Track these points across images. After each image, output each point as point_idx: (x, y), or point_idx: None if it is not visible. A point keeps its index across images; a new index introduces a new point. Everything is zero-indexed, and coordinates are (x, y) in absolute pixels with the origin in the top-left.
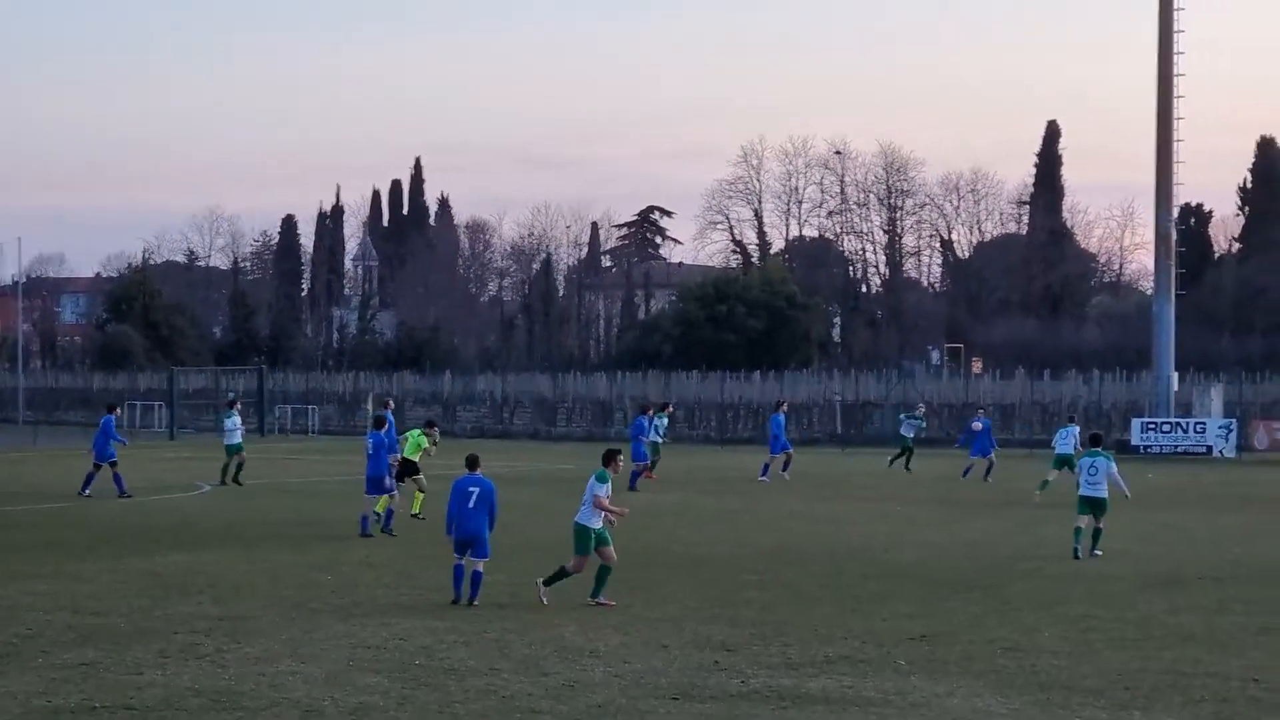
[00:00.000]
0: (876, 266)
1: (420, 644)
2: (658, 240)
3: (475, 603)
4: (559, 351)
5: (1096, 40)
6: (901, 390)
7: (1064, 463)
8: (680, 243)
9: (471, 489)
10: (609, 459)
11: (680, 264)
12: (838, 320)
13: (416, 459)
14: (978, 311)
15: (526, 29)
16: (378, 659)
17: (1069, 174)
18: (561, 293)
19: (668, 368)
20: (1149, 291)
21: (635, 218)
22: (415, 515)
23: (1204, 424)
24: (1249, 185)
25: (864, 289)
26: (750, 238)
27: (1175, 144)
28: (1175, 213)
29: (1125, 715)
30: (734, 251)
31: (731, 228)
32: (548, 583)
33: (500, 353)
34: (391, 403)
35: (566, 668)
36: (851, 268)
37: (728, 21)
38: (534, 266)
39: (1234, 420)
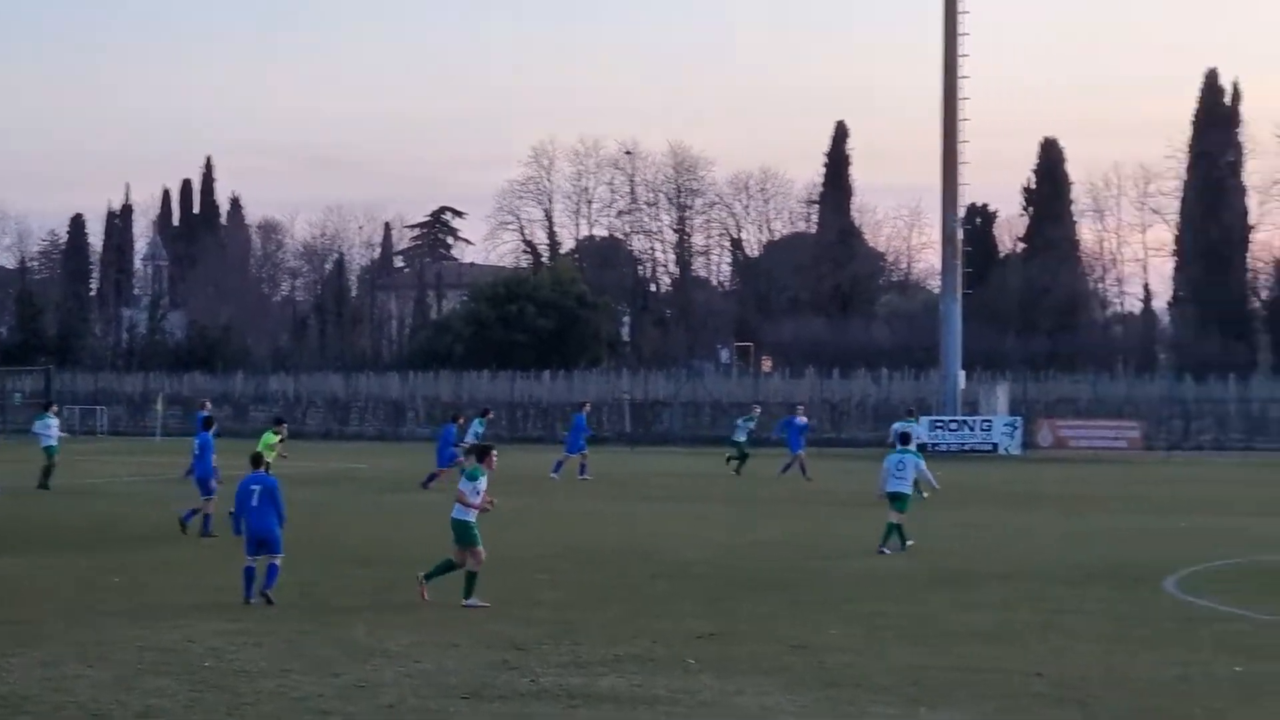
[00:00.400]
0: (666, 266)
1: (210, 645)
2: (449, 241)
3: (268, 592)
4: (351, 351)
5: (884, 42)
6: (691, 389)
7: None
8: (472, 243)
9: (254, 487)
10: (483, 455)
11: (472, 264)
12: (627, 319)
13: (271, 458)
14: (767, 310)
15: (319, 30)
16: (167, 661)
17: (857, 174)
18: (354, 293)
19: (459, 367)
20: (936, 290)
21: (427, 218)
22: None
23: (990, 422)
24: (1033, 186)
25: (653, 288)
26: (541, 238)
27: (960, 145)
28: (961, 213)
29: (913, 711)
30: (525, 251)
31: (522, 228)
32: (429, 576)
33: (293, 352)
34: (209, 403)
35: (357, 668)
36: (641, 267)
37: (518, 22)
38: (326, 267)
39: (1019, 418)
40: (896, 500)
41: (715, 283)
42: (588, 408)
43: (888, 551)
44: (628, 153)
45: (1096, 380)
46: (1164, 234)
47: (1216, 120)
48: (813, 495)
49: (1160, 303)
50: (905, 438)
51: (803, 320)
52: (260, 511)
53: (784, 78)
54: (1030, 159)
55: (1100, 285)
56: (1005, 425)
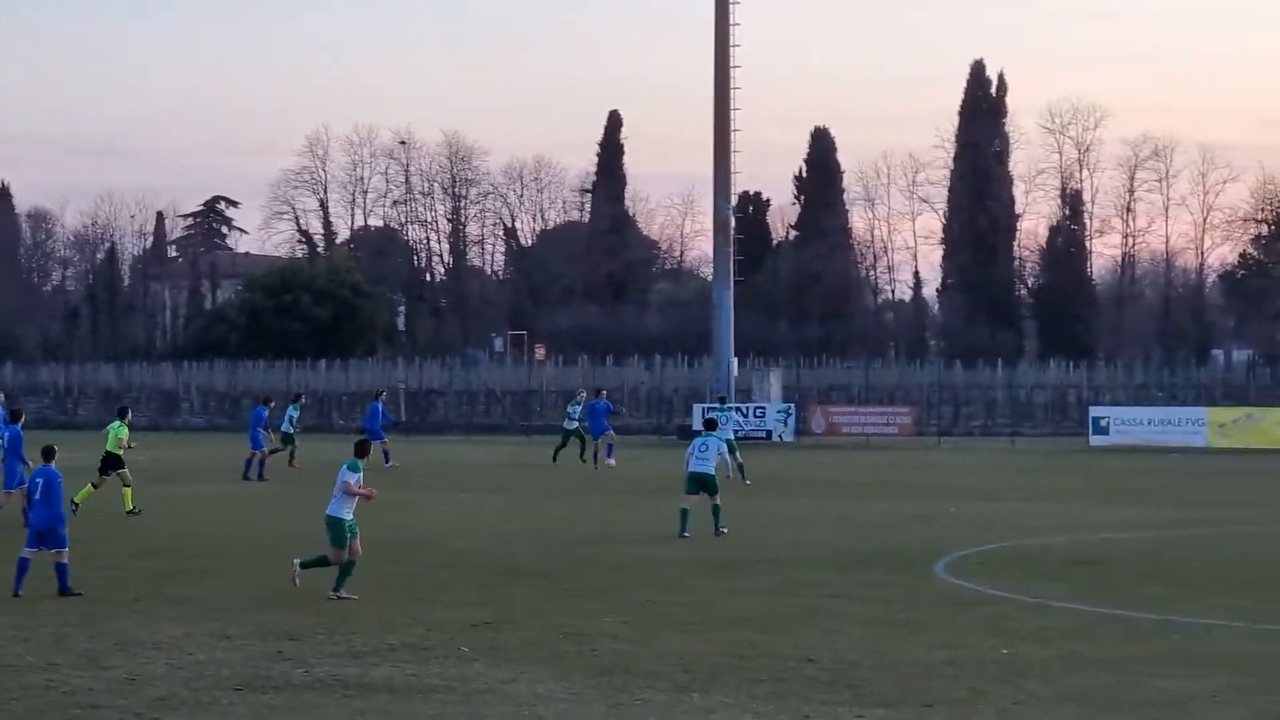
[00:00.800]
0: (441, 255)
1: None
2: (224, 230)
3: (68, 592)
4: (124, 342)
5: (657, 31)
6: (465, 378)
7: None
8: (247, 232)
9: (39, 480)
10: (362, 449)
11: (247, 254)
12: (402, 309)
13: (120, 452)
14: (541, 299)
15: (83, 21)
16: None
17: (631, 163)
18: (127, 282)
19: (234, 357)
20: (709, 278)
21: (201, 208)
22: (130, 511)
23: (764, 408)
24: (804, 175)
25: (429, 278)
26: (316, 227)
27: (733, 134)
28: (734, 201)
29: (684, 697)
30: (300, 241)
31: (297, 218)
32: (305, 565)
33: (64, 343)
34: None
35: (128, 661)
36: (416, 257)
37: (291, 10)
38: (98, 256)
39: (792, 405)
40: (704, 482)
41: (490, 272)
42: (383, 396)
43: (725, 531)
44: (402, 142)
45: (868, 367)
46: (933, 222)
47: (983, 111)
48: (587, 483)
49: (930, 290)
50: (710, 423)
51: (576, 308)
52: (41, 504)
53: (558, 67)
54: (802, 148)
55: (871, 273)
56: (778, 412)
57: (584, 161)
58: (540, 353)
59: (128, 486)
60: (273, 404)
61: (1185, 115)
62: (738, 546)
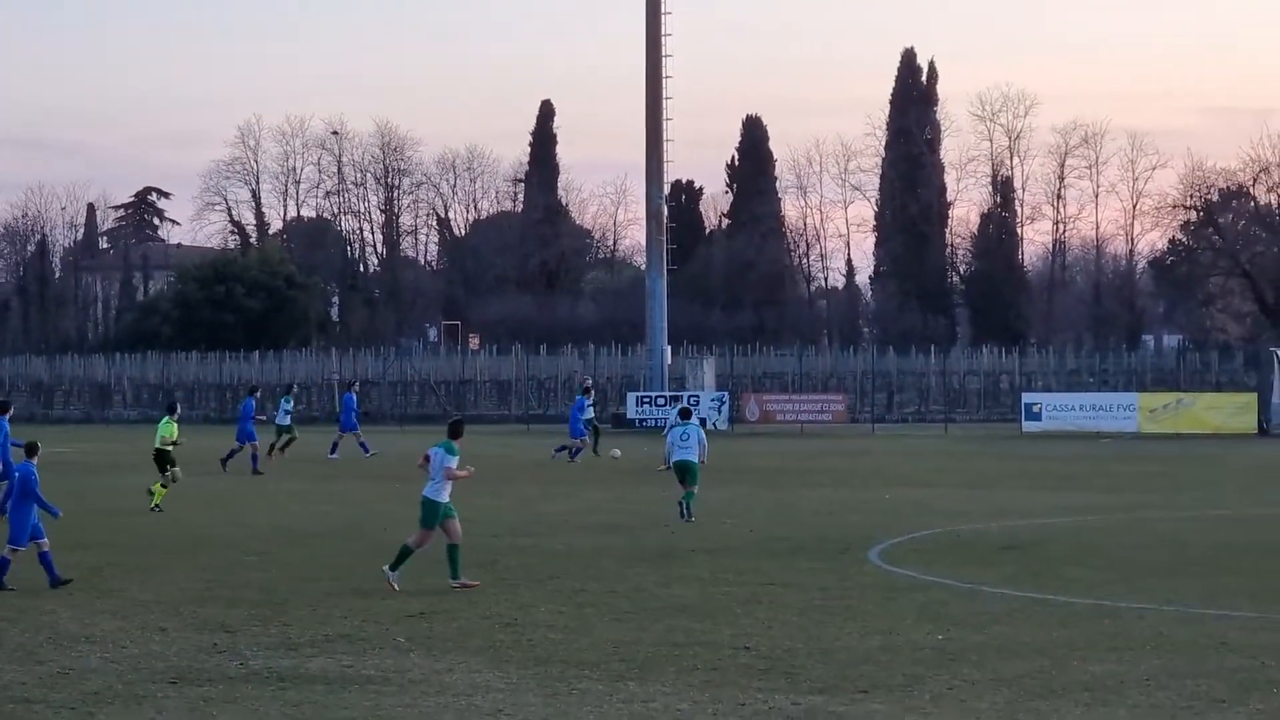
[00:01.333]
0: (374, 246)
1: None
2: (156, 222)
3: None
4: (55, 334)
5: (589, 20)
6: (399, 368)
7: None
8: (179, 224)
9: (16, 474)
10: (456, 430)
11: (179, 245)
12: (336, 299)
13: (169, 449)
14: (474, 289)
15: (9, 10)
16: None
17: (563, 152)
18: (58, 274)
19: (167, 349)
20: (642, 267)
21: (133, 199)
22: (154, 508)
23: (698, 396)
24: (737, 163)
25: (362, 268)
26: (249, 218)
27: (665, 123)
28: (666, 190)
29: (621, 686)
30: (232, 232)
31: (230, 209)
32: (393, 567)
33: None
34: None
35: (61, 655)
36: (349, 247)
37: (222, 2)
38: (28, 248)
39: (726, 393)
40: (688, 471)
41: (423, 262)
42: (355, 386)
43: (692, 520)
44: (334, 133)
45: (802, 354)
46: (865, 210)
47: (914, 99)
48: (520, 473)
49: (863, 277)
50: (685, 413)
51: (510, 298)
52: (12, 501)
53: (490, 56)
54: (734, 136)
55: (804, 260)
56: (712, 400)
57: (517, 151)
58: (474, 342)
59: (164, 487)
60: (258, 394)
61: (1114, 102)
62: (672, 535)
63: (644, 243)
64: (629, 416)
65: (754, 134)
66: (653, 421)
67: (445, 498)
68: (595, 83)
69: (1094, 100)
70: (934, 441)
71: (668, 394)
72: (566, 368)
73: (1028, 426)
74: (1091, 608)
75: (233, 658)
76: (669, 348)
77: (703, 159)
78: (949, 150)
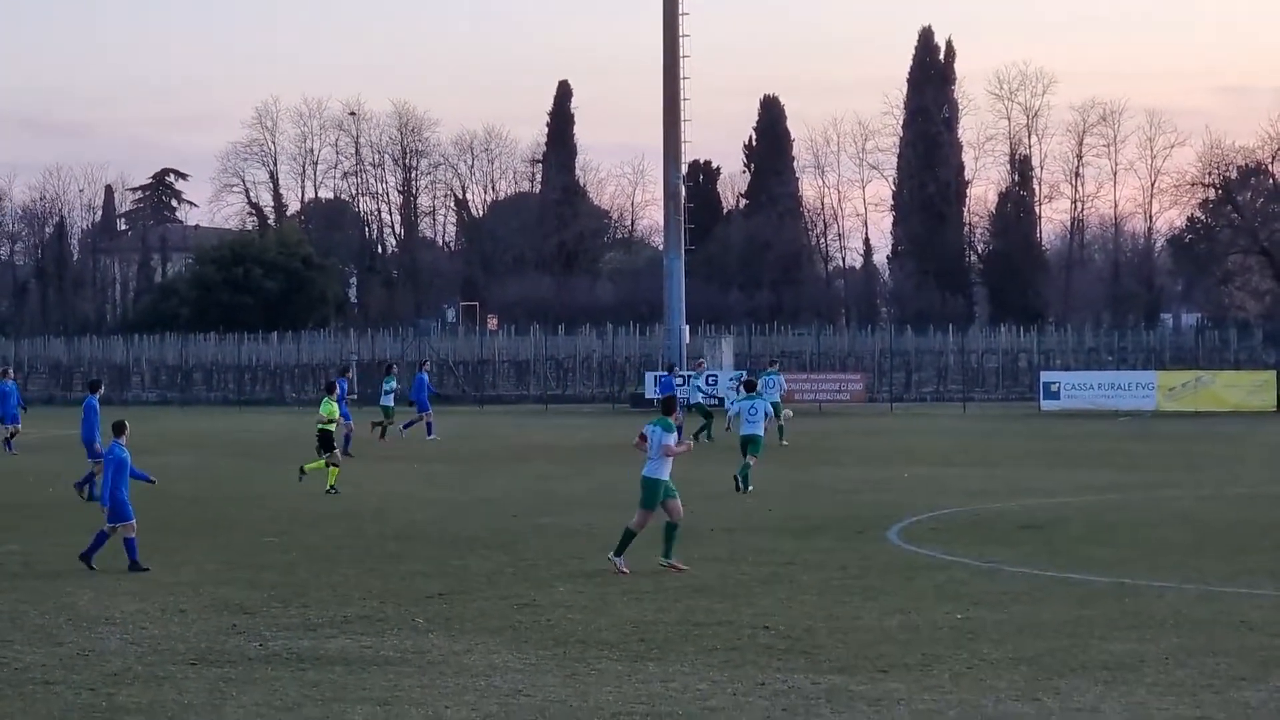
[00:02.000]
0: (392, 227)
1: None
2: (174, 203)
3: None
4: (74, 316)
5: (606, 1)
6: (418, 349)
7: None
8: (196, 205)
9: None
10: (669, 407)
11: (197, 227)
12: (354, 280)
13: (331, 429)
14: (492, 270)
15: None
16: None
17: (581, 133)
18: (76, 256)
19: (185, 331)
20: (660, 247)
21: (150, 180)
22: (331, 489)
23: (716, 376)
24: (754, 143)
25: (380, 249)
26: (266, 200)
27: (682, 103)
28: (684, 170)
29: (640, 666)
30: (250, 214)
31: (247, 190)
32: (618, 552)
33: (13, 318)
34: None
35: (81, 636)
36: (367, 228)
37: None
38: (47, 230)
39: (744, 372)
40: (752, 443)
41: (441, 243)
42: (428, 366)
43: (751, 488)
44: (352, 114)
45: (819, 334)
46: (883, 189)
47: (931, 78)
48: (539, 453)
49: (880, 257)
50: (749, 385)
51: (528, 279)
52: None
53: (507, 37)
54: (751, 116)
55: (821, 240)
56: (730, 379)
57: (534, 132)
58: (492, 323)
59: (334, 466)
60: (350, 375)
61: (1132, 80)
62: (691, 514)
63: (662, 223)
64: (647, 396)
65: (771, 114)
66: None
67: (665, 475)
68: (613, 63)
69: (1112, 79)
70: (952, 420)
71: (685, 373)
72: (585, 348)
73: (1046, 405)
74: (1111, 586)
75: (252, 639)
76: (687, 327)
77: (720, 139)
78: (967, 129)
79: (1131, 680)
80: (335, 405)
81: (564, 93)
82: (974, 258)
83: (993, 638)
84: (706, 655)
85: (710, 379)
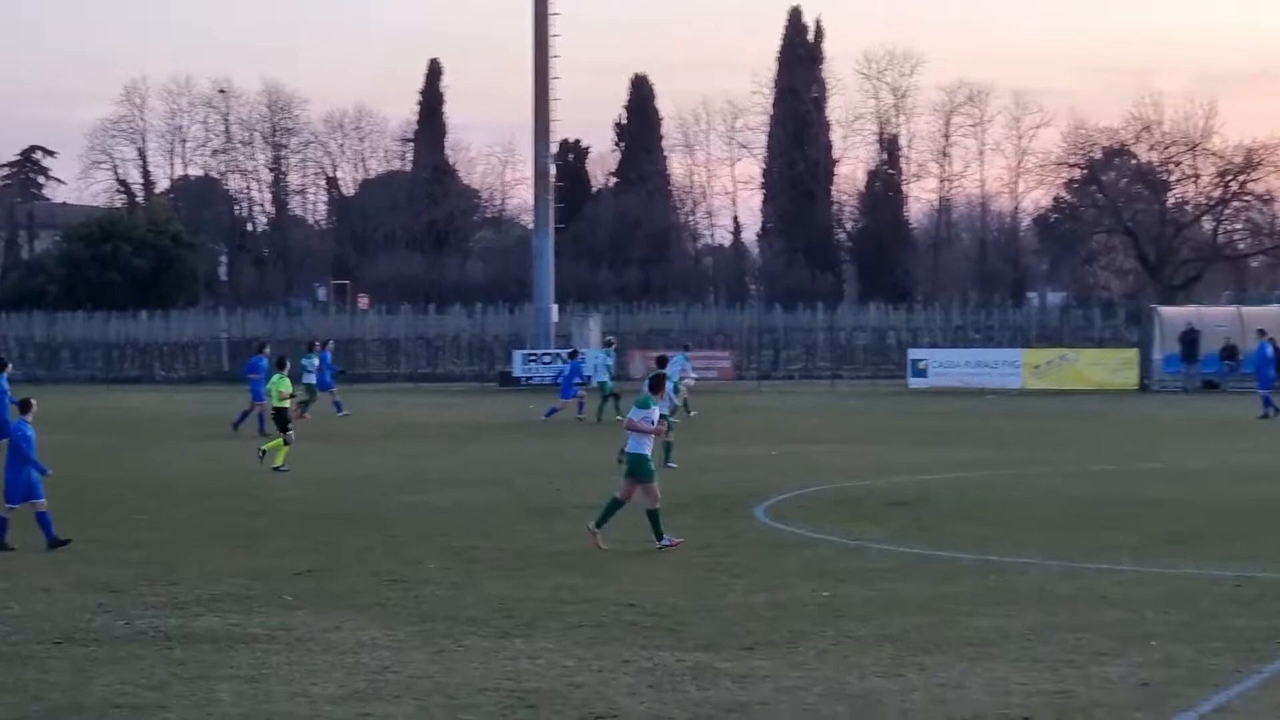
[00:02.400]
0: (262, 205)
1: None
2: (41, 180)
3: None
4: None
5: None
6: (288, 327)
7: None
8: (64, 183)
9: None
10: (654, 384)
11: (65, 204)
12: (224, 258)
13: (285, 405)
14: (363, 248)
15: None
16: None
17: (451, 111)
18: None
19: (53, 308)
20: (530, 226)
21: (17, 157)
22: (278, 468)
23: (583, 353)
24: (624, 121)
25: (250, 227)
26: (135, 177)
27: (552, 81)
28: (554, 149)
29: (507, 643)
30: (119, 191)
31: (116, 167)
32: (599, 523)
33: None
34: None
35: None
36: (237, 206)
37: None
38: None
39: (612, 350)
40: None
41: (312, 221)
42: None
43: (674, 466)
44: (221, 91)
45: (688, 311)
46: (752, 168)
47: (800, 57)
48: (408, 431)
49: (749, 235)
50: (662, 361)
51: (399, 257)
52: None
53: (377, 15)
54: (621, 95)
55: (691, 218)
56: (597, 357)
57: (405, 110)
58: (363, 301)
59: (286, 445)
60: (268, 350)
61: (999, 61)
62: (557, 493)
63: (532, 202)
64: (515, 374)
65: (641, 92)
66: (539, 379)
67: (647, 451)
68: (483, 42)
69: (979, 59)
70: (821, 398)
71: (553, 351)
72: (455, 326)
73: (914, 382)
74: (976, 563)
75: (118, 617)
76: (555, 306)
77: (590, 118)
78: (836, 108)
79: (995, 655)
80: (287, 381)
81: (434, 71)
82: (843, 236)
83: (858, 614)
84: (573, 632)
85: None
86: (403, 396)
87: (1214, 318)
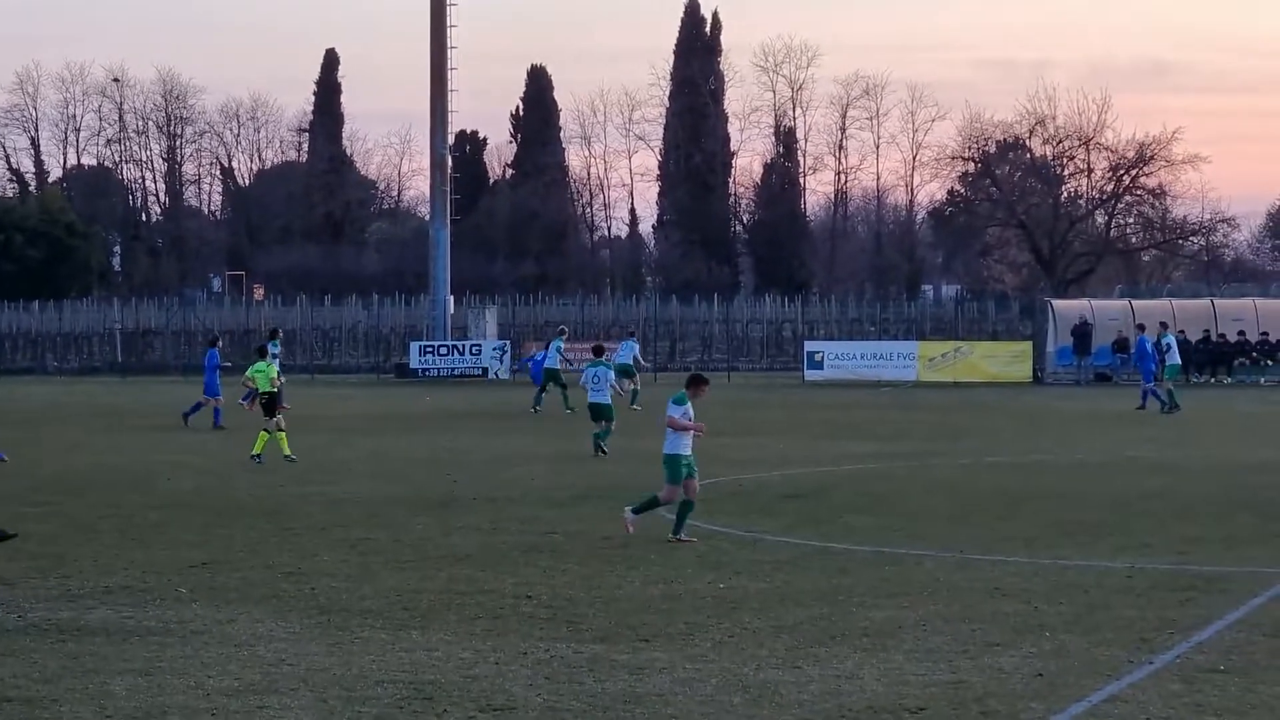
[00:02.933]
0: (157, 195)
1: None
2: None
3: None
4: None
5: None
6: (183, 318)
7: (625, 372)
8: None
9: None
10: (696, 383)
11: None
12: (118, 249)
13: (274, 390)
14: (259, 239)
15: None
16: None
17: (348, 102)
18: None
19: None
20: (427, 217)
21: None
22: (287, 457)
23: (480, 346)
24: (521, 113)
25: (144, 217)
26: (28, 166)
27: (450, 72)
28: (450, 140)
29: (404, 635)
30: (10, 180)
31: (8, 156)
32: (637, 510)
33: None
34: None
35: None
36: (131, 196)
37: None
38: None
39: (508, 342)
40: (601, 411)
41: (207, 212)
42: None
43: (606, 452)
44: (115, 80)
45: (584, 303)
46: (649, 160)
47: (698, 50)
48: (302, 423)
49: (646, 227)
50: (599, 350)
51: (294, 248)
52: None
53: (273, 4)
54: (519, 86)
55: (588, 210)
56: (494, 349)
57: (301, 100)
58: (258, 292)
59: (280, 430)
60: (219, 344)
61: (895, 54)
62: (455, 485)
63: (428, 193)
64: (412, 366)
65: (539, 83)
66: (435, 371)
67: (685, 450)
68: (380, 31)
69: (875, 52)
70: (716, 390)
71: (450, 343)
72: (351, 318)
73: (810, 375)
74: (872, 555)
75: (10, 610)
76: (452, 298)
77: (487, 109)
78: (733, 101)
79: (890, 647)
80: (274, 368)
81: (330, 61)
82: (739, 228)
83: (754, 606)
84: (469, 624)
85: (474, 349)
86: (298, 388)
87: (1106, 311)
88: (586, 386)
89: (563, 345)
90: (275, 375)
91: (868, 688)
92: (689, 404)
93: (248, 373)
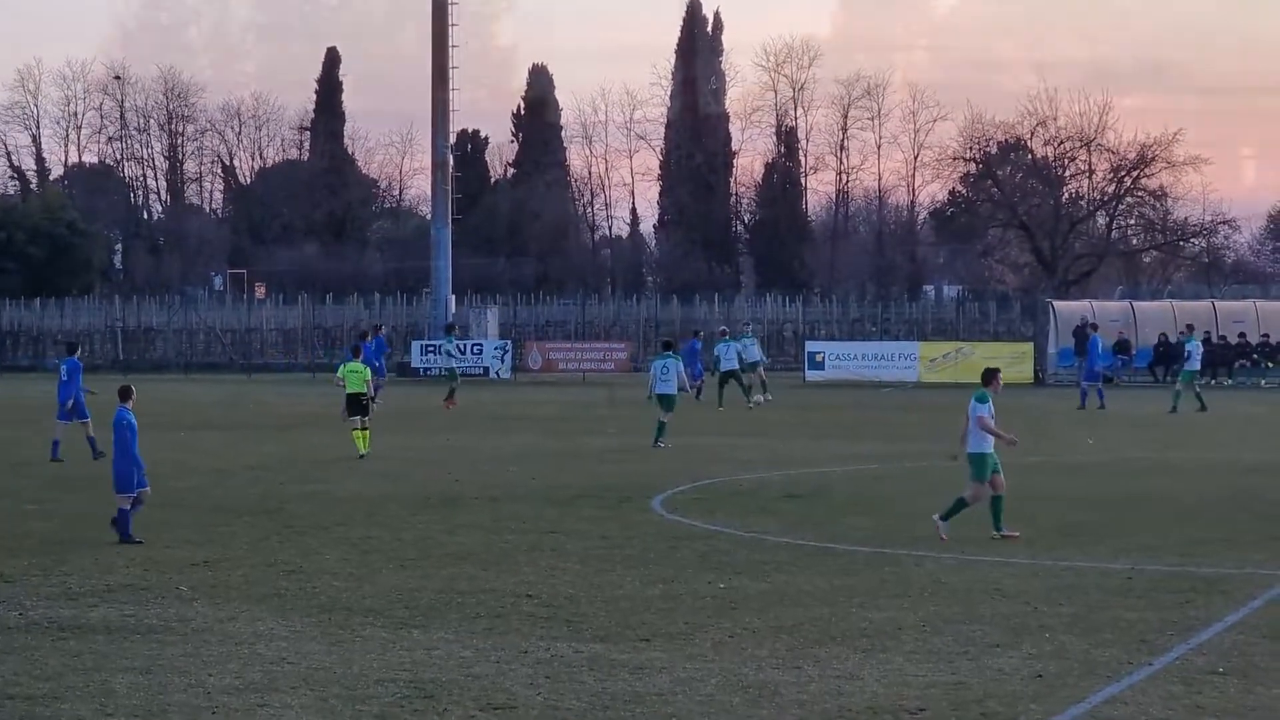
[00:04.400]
0: (159, 193)
1: None
2: None
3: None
4: None
5: None
6: (184, 317)
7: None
8: None
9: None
10: (989, 378)
11: None
12: (119, 247)
13: (366, 391)
14: (261, 237)
15: None
16: None
17: (350, 100)
18: None
19: None
20: (428, 216)
21: None
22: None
23: (481, 345)
24: (522, 112)
25: (146, 215)
26: (29, 164)
27: (451, 71)
28: (452, 139)
29: (404, 634)
30: (12, 178)
31: (9, 154)
32: (944, 517)
33: None
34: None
35: None
36: (133, 194)
37: None
38: None
39: (509, 341)
40: (665, 400)
41: (209, 210)
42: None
43: (663, 446)
44: (117, 77)
45: (584, 303)
46: (650, 159)
47: (699, 49)
48: (307, 421)
49: (647, 226)
50: (667, 345)
51: (296, 247)
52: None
53: (275, 2)
54: (521, 86)
55: (589, 210)
56: (495, 349)
57: (302, 99)
58: (260, 291)
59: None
60: (384, 330)
61: (897, 54)
62: (457, 484)
63: (430, 192)
64: (414, 365)
65: (540, 83)
66: (437, 370)
67: (989, 448)
68: (381, 30)
69: (877, 52)
70: (716, 390)
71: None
72: (352, 317)
73: (811, 375)
74: (872, 555)
75: (12, 608)
76: (453, 297)
77: (489, 108)
78: (734, 100)
79: (890, 647)
80: (363, 367)
81: (332, 60)
82: (740, 228)
83: (754, 607)
84: (470, 623)
85: (475, 347)
86: (301, 387)
87: (1107, 312)
88: (655, 377)
89: (739, 344)
90: (369, 376)
91: (868, 688)
92: (990, 401)
93: (339, 371)
